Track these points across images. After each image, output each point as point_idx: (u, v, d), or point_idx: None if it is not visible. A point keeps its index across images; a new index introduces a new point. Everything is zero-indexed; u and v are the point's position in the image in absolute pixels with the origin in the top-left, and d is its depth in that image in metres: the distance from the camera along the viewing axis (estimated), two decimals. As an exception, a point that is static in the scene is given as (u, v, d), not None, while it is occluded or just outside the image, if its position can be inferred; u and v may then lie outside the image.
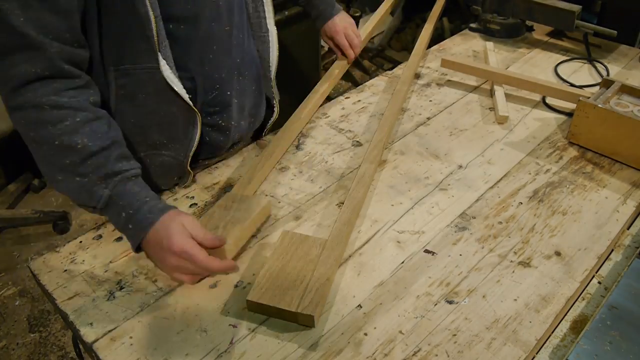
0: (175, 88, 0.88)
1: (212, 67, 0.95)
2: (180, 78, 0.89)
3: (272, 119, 1.16)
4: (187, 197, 0.99)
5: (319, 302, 0.75)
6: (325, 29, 1.33)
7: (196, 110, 0.93)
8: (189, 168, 0.99)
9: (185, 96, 0.90)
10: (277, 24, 2.12)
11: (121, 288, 0.82)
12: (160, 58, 0.85)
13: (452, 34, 1.65)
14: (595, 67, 1.41)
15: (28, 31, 0.72)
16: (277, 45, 1.06)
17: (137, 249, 0.80)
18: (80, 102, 0.78)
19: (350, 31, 1.32)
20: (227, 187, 1.02)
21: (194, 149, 0.97)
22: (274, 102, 1.14)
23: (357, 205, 0.94)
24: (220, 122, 1.01)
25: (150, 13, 0.80)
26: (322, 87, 1.27)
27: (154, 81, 0.87)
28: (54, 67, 0.76)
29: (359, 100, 1.29)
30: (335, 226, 0.88)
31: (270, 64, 1.07)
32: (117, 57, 0.85)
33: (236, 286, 0.82)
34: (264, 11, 1.02)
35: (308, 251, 0.84)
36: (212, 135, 1.02)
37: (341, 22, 1.32)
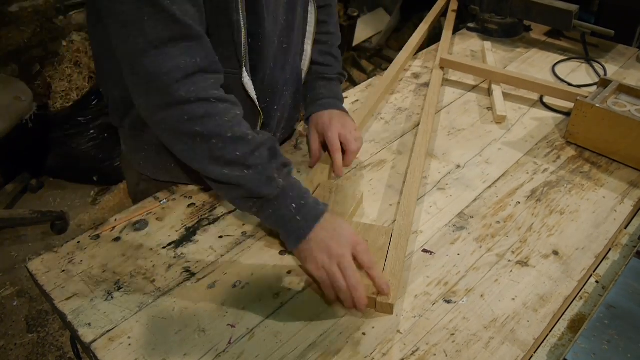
0: (251, 95, 0.88)
1: (269, 81, 0.95)
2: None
3: (293, 139, 1.15)
4: (185, 197, 0.99)
5: (397, 291, 0.78)
6: (316, 118, 1.06)
7: (260, 110, 0.92)
8: None
9: (256, 102, 0.90)
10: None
11: (119, 288, 0.82)
12: (243, 65, 0.85)
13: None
14: (593, 67, 1.41)
15: (186, 20, 0.71)
16: (307, 68, 1.06)
17: (296, 243, 0.78)
18: (231, 96, 0.78)
19: (350, 134, 1.03)
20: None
21: None
22: (296, 122, 1.15)
23: (414, 197, 0.96)
24: (266, 112, 1.00)
25: (242, 22, 0.80)
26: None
27: (234, 86, 0.86)
28: (209, 58, 0.75)
29: (357, 100, 1.29)
30: (398, 219, 0.91)
31: (303, 80, 1.07)
32: None
33: (234, 286, 0.82)
34: (307, 32, 1.02)
35: (375, 239, 0.86)
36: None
37: (341, 120, 1.04)
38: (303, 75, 1.06)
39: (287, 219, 0.78)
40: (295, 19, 0.95)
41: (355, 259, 0.77)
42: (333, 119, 1.03)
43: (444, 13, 1.72)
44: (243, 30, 0.81)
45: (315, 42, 1.05)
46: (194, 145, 0.75)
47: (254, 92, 0.89)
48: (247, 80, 0.86)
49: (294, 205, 0.77)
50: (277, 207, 0.78)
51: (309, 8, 1.00)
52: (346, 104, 1.14)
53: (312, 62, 1.07)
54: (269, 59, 0.92)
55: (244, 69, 0.85)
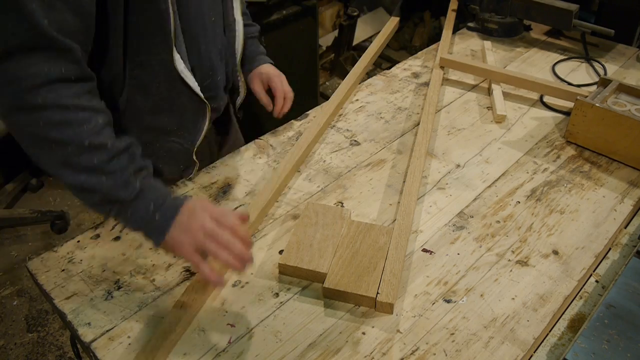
0: (187, 81, 0.91)
1: (205, 57, 0.98)
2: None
3: (240, 99, 1.18)
4: (185, 196, 0.99)
5: (397, 291, 0.79)
6: (257, 72, 1.17)
7: (207, 102, 0.97)
8: (195, 158, 1.02)
9: (197, 89, 0.93)
10: (275, 23, 2.12)
11: (119, 288, 0.82)
12: (175, 52, 0.88)
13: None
14: (593, 66, 1.41)
15: (52, 33, 0.71)
16: (243, 35, 1.09)
17: (159, 239, 0.77)
18: (98, 105, 0.78)
19: (286, 85, 1.17)
20: (225, 186, 1.02)
21: (201, 138, 1.01)
22: (240, 84, 1.16)
23: (414, 196, 0.96)
24: (215, 105, 1.05)
25: (170, 9, 0.83)
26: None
27: (167, 73, 0.90)
28: (77, 69, 0.75)
29: (357, 100, 1.29)
30: (398, 218, 0.91)
31: (237, 52, 1.10)
32: (133, 50, 0.87)
33: (234, 285, 0.82)
34: (232, 0, 1.05)
35: (376, 239, 0.87)
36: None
37: (277, 72, 1.18)
38: (236, 44, 1.09)
39: (146, 220, 0.77)
40: None
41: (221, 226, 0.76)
42: (271, 71, 1.16)
43: (443, 13, 1.72)
44: (172, 19, 0.84)
45: None
46: (49, 151, 0.75)
47: (192, 78, 0.92)
48: (181, 67, 0.90)
49: (152, 205, 0.77)
50: (135, 209, 0.77)
51: None
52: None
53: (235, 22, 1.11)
54: (199, 37, 0.95)
55: (176, 56, 0.88)
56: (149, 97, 0.92)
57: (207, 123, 1.00)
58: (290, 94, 1.15)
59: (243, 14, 1.11)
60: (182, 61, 0.90)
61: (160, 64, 0.89)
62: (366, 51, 1.49)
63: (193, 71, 0.95)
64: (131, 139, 0.80)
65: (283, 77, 1.17)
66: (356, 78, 1.34)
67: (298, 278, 0.83)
